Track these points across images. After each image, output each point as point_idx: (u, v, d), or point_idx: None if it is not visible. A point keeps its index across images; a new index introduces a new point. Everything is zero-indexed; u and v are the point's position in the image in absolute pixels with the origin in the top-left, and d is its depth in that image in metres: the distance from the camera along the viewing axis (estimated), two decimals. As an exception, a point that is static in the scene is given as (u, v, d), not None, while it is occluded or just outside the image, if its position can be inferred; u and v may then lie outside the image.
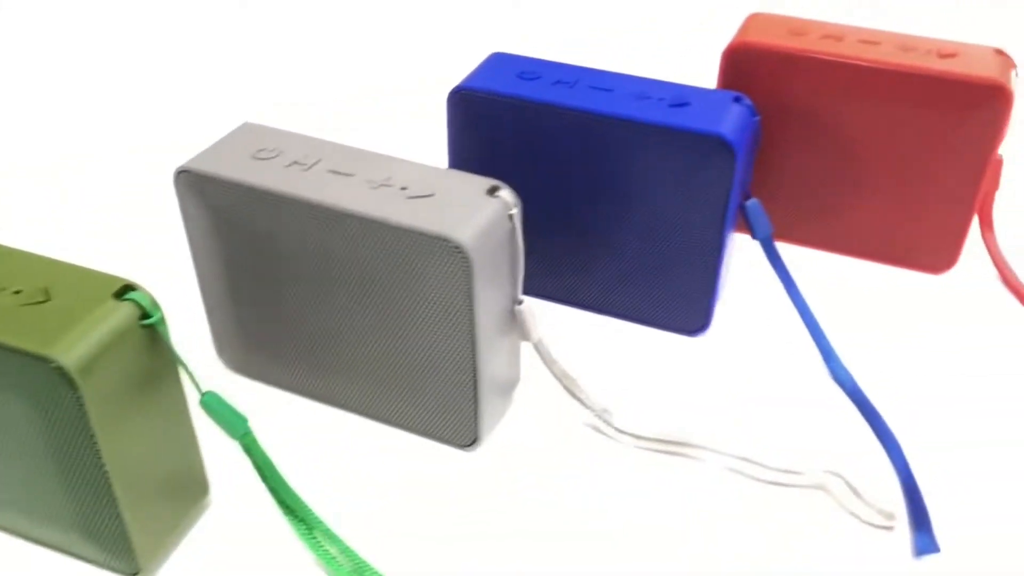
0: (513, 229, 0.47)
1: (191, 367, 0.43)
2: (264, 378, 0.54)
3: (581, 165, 0.55)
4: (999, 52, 0.59)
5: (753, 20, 0.63)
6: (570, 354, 0.56)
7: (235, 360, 0.55)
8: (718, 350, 0.58)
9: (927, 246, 0.63)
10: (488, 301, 0.46)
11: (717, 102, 0.54)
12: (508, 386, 0.52)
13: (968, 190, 0.60)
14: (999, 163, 0.61)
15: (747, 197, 0.57)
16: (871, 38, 0.60)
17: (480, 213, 0.45)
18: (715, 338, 0.59)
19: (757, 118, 0.54)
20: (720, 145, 0.51)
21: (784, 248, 0.66)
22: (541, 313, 0.57)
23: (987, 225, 0.64)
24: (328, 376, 0.52)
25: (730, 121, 0.52)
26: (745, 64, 0.60)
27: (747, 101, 0.54)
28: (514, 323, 0.50)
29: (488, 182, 0.47)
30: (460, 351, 0.47)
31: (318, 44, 0.97)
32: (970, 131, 0.58)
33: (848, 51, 0.59)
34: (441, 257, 0.44)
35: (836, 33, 0.61)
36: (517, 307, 0.50)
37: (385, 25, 1.01)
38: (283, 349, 0.52)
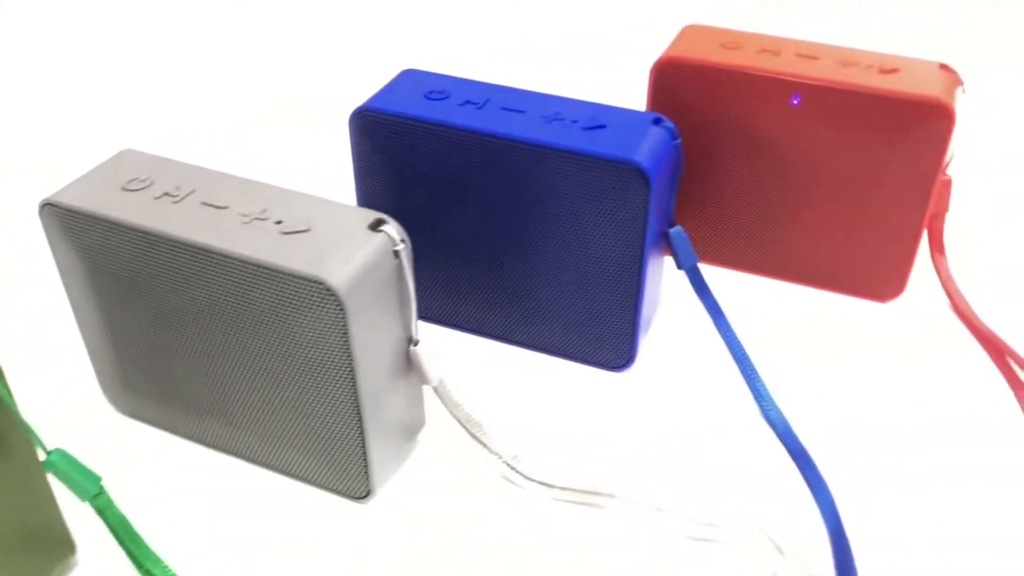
0: (400, 267, 0.43)
1: (33, 426, 0.39)
2: (152, 421, 0.51)
3: (490, 191, 0.51)
4: (944, 67, 0.55)
5: (686, 33, 0.60)
6: (486, 391, 0.53)
7: (120, 402, 0.51)
8: (643, 387, 0.54)
9: (873, 273, 0.59)
10: (371, 346, 0.42)
11: (635, 125, 0.50)
12: (407, 432, 0.48)
13: (914, 213, 0.56)
14: (947, 184, 0.57)
15: (671, 224, 0.53)
16: (810, 52, 0.56)
17: (359, 251, 0.41)
18: (640, 374, 0.55)
19: (678, 141, 0.51)
20: (634, 173, 0.47)
21: (725, 274, 0.62)
22: (448, 350, 0.53)
23: (938, 249, 0.61)
24: (213, 420, 0.48)
25: (647, 146, 0.48)
26: (674, 80, 0.57)
27: (668, 123, 0.51)
28: (409, 366, 0.46)
29: (371, 215, 0.43)
30: (342, 400, 0.43)
31: (227, 59, 0.94)
32: (913, 151, 0.54)
33: (784, 67, 0.55)
34: (313, 301, 0.40)
35: (773, 47, 0.57)
36: (412, 348, 0.46)
37: (303, 38, 0.97)
38: (166, 392, 0.48)
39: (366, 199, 0.55)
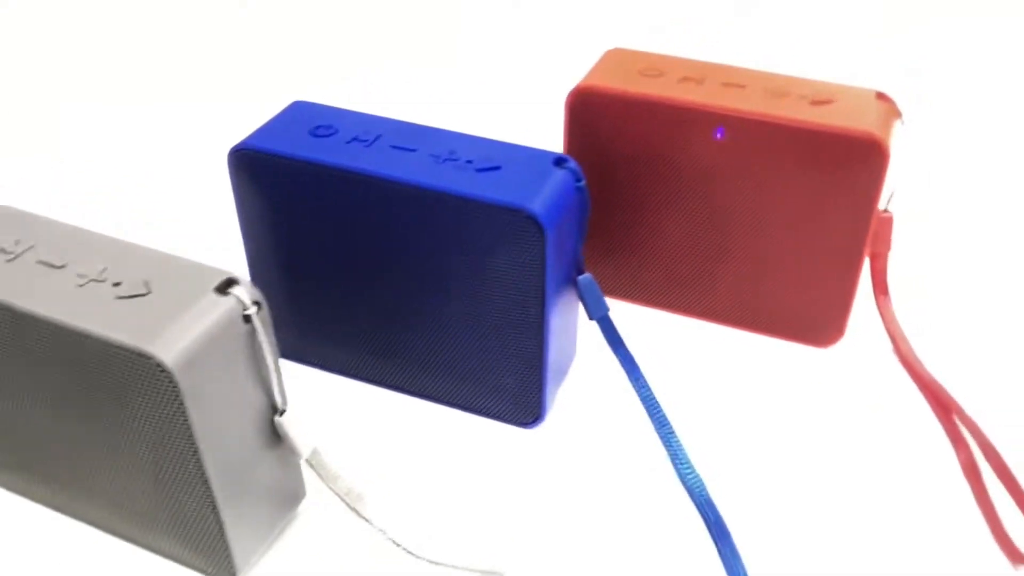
0: (252, 332, 0.39)
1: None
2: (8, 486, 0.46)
3: (378, 235, 0.47)
4: (881, 97, 0.51)
5: (608, 58, 0.55)
6: (384, 448, 0.49)
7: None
8: (554, 446, 0.50)
9: (809, 316, 0.55)
10: (220, 421, 0.38)
11: (534, 166, 0.45)
12: (282, 506, 0.44)
13: (850, 253, 0.52)
14: (888, 221, 0.53)
15: (580, 271, 0.49)
16: (737, 80, 0.52)
17: (199, 320, 0.37)
18: (552, 431, 0.51)
19: (582, 183, 0.46)
20: (528, 221, 0.43)
21: (653, 315, 0.58)
22: (349, 402, 0.49)
23: (881, 290, 0.56)
24: (68, 490, 0.44)
25: (545, 191, 0.44)
26: (590, 112, 0.52)
27: (571, 164, 0.46)
28: (276, 437, 0.42)
29: (221, 276, 0.38)
30: (191, 479, 0.39)
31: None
32: (846, 189, 0.50)
33: (707, 97, 0.51)
34: (144, 376, 0.36)
35: (697, 74, 0.52)
36: (277, 419, 0.42)
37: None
38: (19, 459, 0.44)
39: (250, 243, 0.51)
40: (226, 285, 0.38)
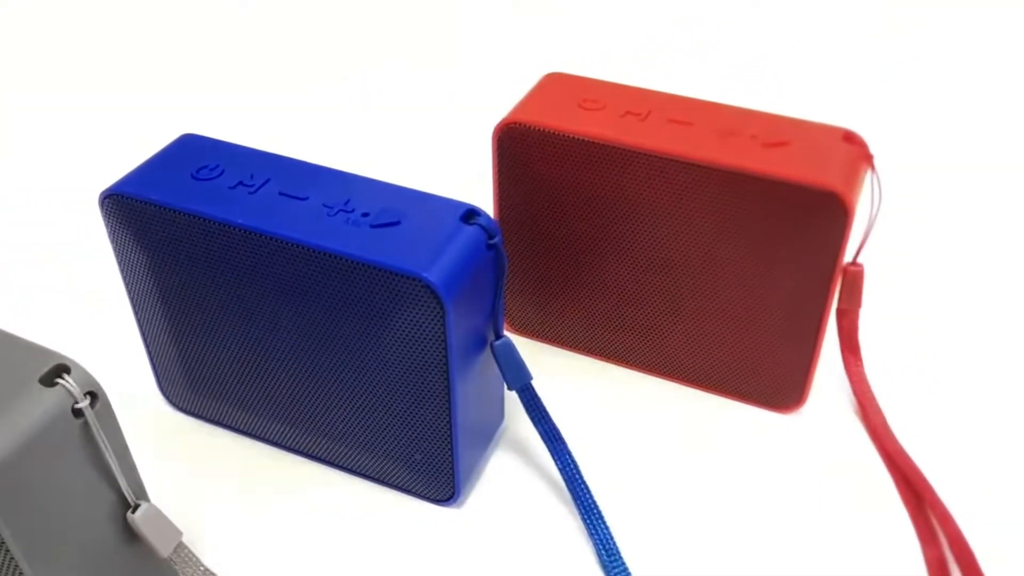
0: (85, 426, 0.33)
1: None
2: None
3: (263, 291, 0.41)
4: (849, 137, 0.44)
5: (545, 83, 0.49)
6: (284, 519, 0.44)
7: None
8: (470, 528, 0.44)
9: (768, 379, 0.49)
10: (54, 526, 0.33)
11: (439, 221, 0.40)
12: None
13: (811, 315, 0.46)
14: (858, 275, 0.47)
15: (498, 335, 0.43)
16: (684, 115, 0.45)
17: (17, 422, 0.31)
18: (472, 510, 0.45)
19: (496, 240, 0.40)
20: (423, 290, 0.37)
21: (603, 368, 0.52)
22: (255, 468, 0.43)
23: (850, 350, 0.50)
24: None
25: (448, 253, 0.38)
26: (520, 147, 0.46)
27: (483, 219, 0.40)
28: (131, 536, 0.37)
29: (51, 359, 0.33)
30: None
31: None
32: (805, 243, 0.43)
33: (648, 137, 0.44)
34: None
35: (641, 107, 0.46)
36: (130, 516, 0.36)
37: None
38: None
39: (132, 292, 0.45)
40: (54, 373, 0.33)
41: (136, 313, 0.46)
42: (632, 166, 0.44)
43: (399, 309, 0.38)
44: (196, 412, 0.49)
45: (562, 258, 0.49)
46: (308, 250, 0.38)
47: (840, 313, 0.49)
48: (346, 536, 0.44)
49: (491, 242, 0.40)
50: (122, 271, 0.45)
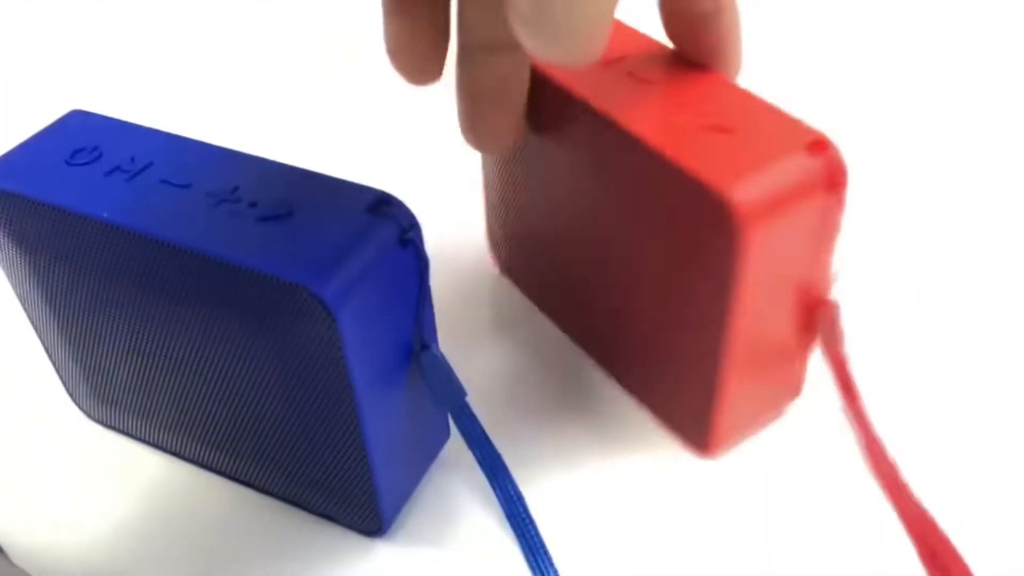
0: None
1: None
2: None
3: (145, 293, 0.35)
4: (816, 146, 0.34)
5: None
6: (202, 546, 0.38)
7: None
8: (400, 563, 0.38)
9: (681, 415, 0.41)
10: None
11: (340, 213, 0.33)
12: None
13: (711, 346, 0.36)
14: (833, 310, 0.38)
15: (424, 345, 0.36)
16: (648, 72, 0.38)
17: None
18: (404, 542, 0.39)
19: (412, 234, 0.33)
20: (311, 301, 0.31)
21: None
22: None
23: (849, 396, 0.41)
24: None
25: (346, 253, 0.32)
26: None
27: (397, 208, 0.33)
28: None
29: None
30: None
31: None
32: (701, 259, 0.35)
33: (604, 93, 0.37)
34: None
35: (611, 52, 0.39)
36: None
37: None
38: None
39: (21, 298, 0.40)
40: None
41: (28, 316, 0.41)
42: (586, 120, 0.38)
43: (286, 320, 0.32)
44: (109, 424, 0.44)
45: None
46: (179, 250, 0.32)
47: (825, 353, 0.40)
48: (262, 568, 0.38)
49: (406, 237, 0.33)
50: (5, 270, 0.39)
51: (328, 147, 0.61)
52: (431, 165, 0.57)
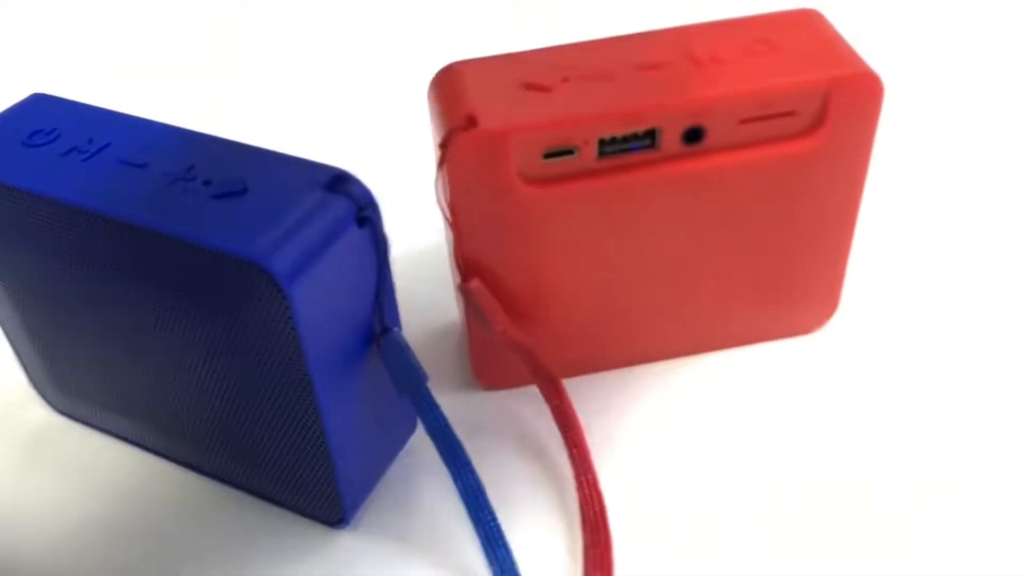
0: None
1: None
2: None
3: (102, 276, 0.34)
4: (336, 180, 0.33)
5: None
6: (165, 536, 0.38)
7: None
8: (360, 552, 0.37)
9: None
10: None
11: (295, 189, 0.32)
12: None
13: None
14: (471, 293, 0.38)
15: (385, 328, 0.35)
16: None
17: None
18: (368, 531, 0.38)
19: (369, 213, 0.33)
20: (261, 277, 0.30)
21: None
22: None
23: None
24: None
25: (299, 229, 0.31)
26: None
27: (355, 186, 0.33)
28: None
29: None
30: None
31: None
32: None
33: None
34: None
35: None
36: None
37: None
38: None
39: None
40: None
41: (-12, 301, 0.40)
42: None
43: (239, 299, 0.31)
44: (72, 414, 0.43)
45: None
46: (133, 228, 0.32)
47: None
48: (224, 559, 0.38)
49: (363, 215, 0.33)
50: (-37, 253, 0.39)
51: (290, 128, 0.61)
52: (398, 147, 0.57)
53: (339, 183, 0.33)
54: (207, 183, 0.33)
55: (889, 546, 0.36)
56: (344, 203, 0.32)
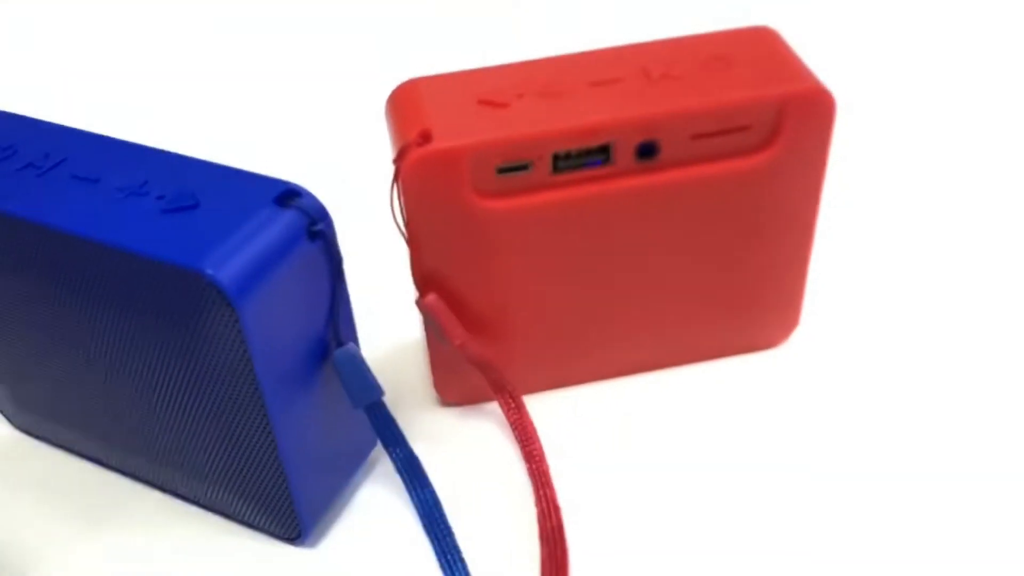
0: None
1: None
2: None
3: (54, 290, 0.34)
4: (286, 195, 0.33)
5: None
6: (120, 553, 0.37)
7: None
8: (320, 566, 0.37)
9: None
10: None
11: (247, 203, 0.32)
12: None
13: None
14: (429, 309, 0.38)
15: (339, 342, 0.36)
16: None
17: None
18: (327, 548, 0.38)
19: (321, 227, 0.33)
20: (209, 290, 0.30)
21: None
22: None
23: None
24: None
25: (248, 243, 0.31)
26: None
27: (307, 200, 0.33)
28: None
29: None
30: None
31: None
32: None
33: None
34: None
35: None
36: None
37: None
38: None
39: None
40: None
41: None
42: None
43: (190, 313, 0.31)
44: (30, 431, 0.43)
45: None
46: (85, 243, 0.32)
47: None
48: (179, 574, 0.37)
49: (314, 229, 0.33)
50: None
51: (250, 143, 0.61)
52: (361, 162, 0.57)
53: (291, 197, 0.33)
54: (160, 197, 0.33)
55: (848, 561, 0.36)
56: (296, 217, 0.33)
